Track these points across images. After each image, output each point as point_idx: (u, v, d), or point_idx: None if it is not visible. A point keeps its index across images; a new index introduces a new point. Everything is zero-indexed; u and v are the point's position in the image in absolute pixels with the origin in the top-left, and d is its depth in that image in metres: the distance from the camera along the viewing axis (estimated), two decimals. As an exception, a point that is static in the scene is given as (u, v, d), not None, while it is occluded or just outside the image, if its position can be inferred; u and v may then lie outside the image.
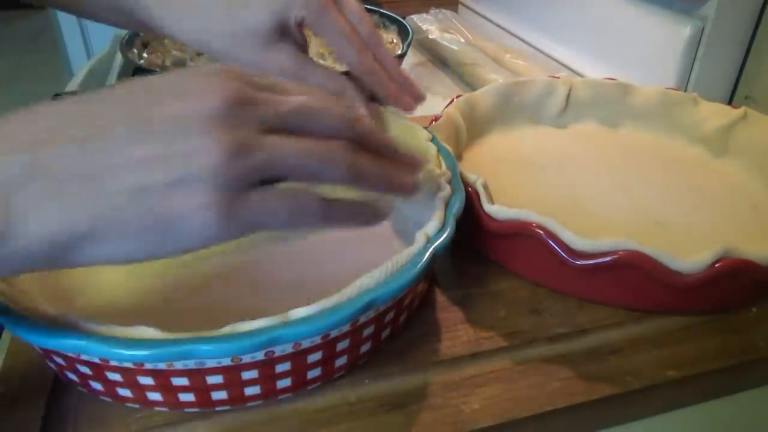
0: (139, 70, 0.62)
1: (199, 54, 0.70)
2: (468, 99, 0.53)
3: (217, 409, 0.31)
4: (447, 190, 0.37)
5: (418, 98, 0.41)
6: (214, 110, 0.25)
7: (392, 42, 0.75)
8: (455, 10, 1.04)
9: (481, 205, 0.40)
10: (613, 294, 0.39)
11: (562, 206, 0.45)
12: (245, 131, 0.25)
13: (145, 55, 0.69)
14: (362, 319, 0.31)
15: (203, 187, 0.24)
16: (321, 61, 0.68)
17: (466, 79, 0.79)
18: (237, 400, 0.31)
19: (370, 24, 0.39)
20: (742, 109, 0.52)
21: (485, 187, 0.41)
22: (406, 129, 0.44)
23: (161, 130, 0.24)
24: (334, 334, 0.30)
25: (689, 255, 0.36)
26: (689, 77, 0.64)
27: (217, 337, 0.27)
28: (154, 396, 0.30)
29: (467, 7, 1.04)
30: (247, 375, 0.30)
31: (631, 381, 0.34)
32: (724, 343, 0.37)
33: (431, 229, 0.34)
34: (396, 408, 0.32)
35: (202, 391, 0.30)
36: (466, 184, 0.41)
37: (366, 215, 0.30)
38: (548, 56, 0.83)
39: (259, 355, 0.29)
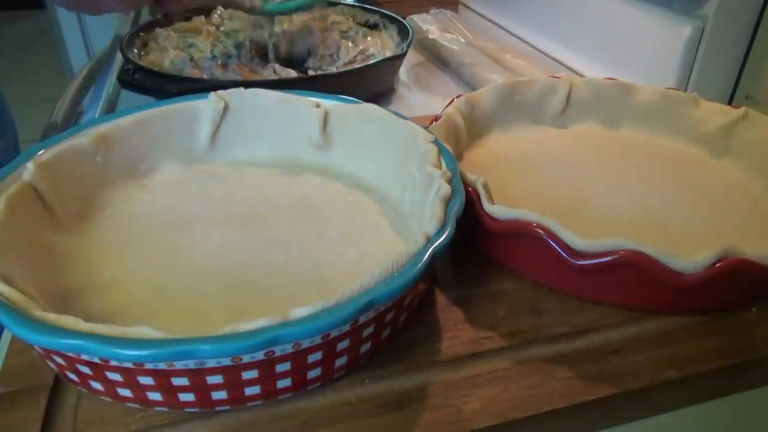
0: (139, 70, 0.62)
1: (197, 49, 0.70)
2: (468, 99, 0.53)
3: (217, 409, 0.31)
4: (447, 190, 0.37)
5: None
6: None
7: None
8: (455, 10, 1.04)
9: (481, 205, 0.40)
10: (613, 294, 0.39)
11: (562, 206, 0.45)
12: None
13: (144, 54, 0.69)
14: (362, 319, 0.31)
15: None
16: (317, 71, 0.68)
17: (466, 79, 0.79)
18: (237, 400, 0.31)
19: None
20: (743, 109, 0.51)
21: (485, 187, 0.41)
22: (407, 129, 0.44)
23: None
24: (334, 334, 0.30)
25: (689, 255, 0.36)
26: (689, 77, 0.64)
27: (217, 337, 0.27)
28: (154, 396, 0.30)
29: (467, 7, 1.04)
30: (247, 375, 0.30)
31: (631, 381, 0.34)
32: (724, 343, 0.37)
33: (431, 229, 0.34)
34: (396, 408, 0.32)
35: (202, 391, 0.30)
36: (466, 184, 0.41)
37: None
38: (548, 56, 0.83)
39: (259, 355, 0.29)
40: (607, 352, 0.36)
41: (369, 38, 0.75)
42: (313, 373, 0.32)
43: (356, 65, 0.68)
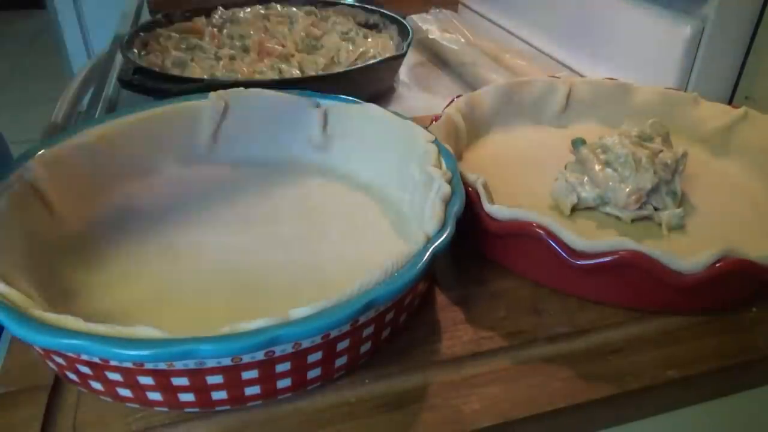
0: (139, 70, 0.62)
1: (200, 50, 0.70)
2: (468, 99, 0.53)
3: (217, 409, 0.31)
4: (447, 190, 0.37)
5: None
6: None
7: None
8: (455, 10, 1.04)
9: (481, 205, 0.40)
10: (613, 294, 0.39)
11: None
12: None
13: (144, 54, 0.69)
14: (362, 319, 0.31)
15: None
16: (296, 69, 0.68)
17: (466, 79, 0.79)
18: (237, 400, 0.31)
19: None
20: (743, 109, 0.51)
21: (485, 187, 0.41)
22: (407, 129, 0.44)
23: None
24: (334, 334, 0.30)
25: (689, 255, 0.36)
26: (689, 77, 0.64)
27: (217, 337, 0.27)
28: (154, 396, 0.30)
29: (467, 7, 1.04)
30: (247, 375, 0.30)
31: (631, 381, 0.34)
32: (724, 343, 0.37)
33: (431, 229, 0.34)
34: (396, 408, 0.32)
35: (202, 391, 0.30)
36: (466, 184, 0.41)
37: None
38: (548, 56, 0.83)
39: (259, 355, 0.29)
40: (607, 352, 0.36)
41: (369, 39, 0.75)
42: (313, 373, 0.32)
43: (356, 65, 0.68)
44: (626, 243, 0.36)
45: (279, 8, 0.81)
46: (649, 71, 0.66)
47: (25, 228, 0.36)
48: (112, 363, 0.28)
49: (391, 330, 0.35)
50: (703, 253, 0.35)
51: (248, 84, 0.50)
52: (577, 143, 0.47)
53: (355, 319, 0.29)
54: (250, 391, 0.31)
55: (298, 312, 0.28)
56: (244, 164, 0.49)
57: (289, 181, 0.47)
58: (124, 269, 0.38)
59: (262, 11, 0.79)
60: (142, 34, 0.72)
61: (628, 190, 0.43)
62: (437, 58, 0.87)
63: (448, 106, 0.52)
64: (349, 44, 0.72)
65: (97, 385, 0.31)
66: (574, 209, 0.45)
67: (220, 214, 0.43)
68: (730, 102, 0.65)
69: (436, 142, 0.42)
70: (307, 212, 0.43)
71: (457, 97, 0.53)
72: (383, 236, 0.41)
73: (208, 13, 0.79)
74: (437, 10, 0.96)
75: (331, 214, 0.43)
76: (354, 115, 0.47)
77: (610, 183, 0.44)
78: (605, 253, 0.36)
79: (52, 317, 0.28)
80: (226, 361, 0.28)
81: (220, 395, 0.30)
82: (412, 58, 0.86)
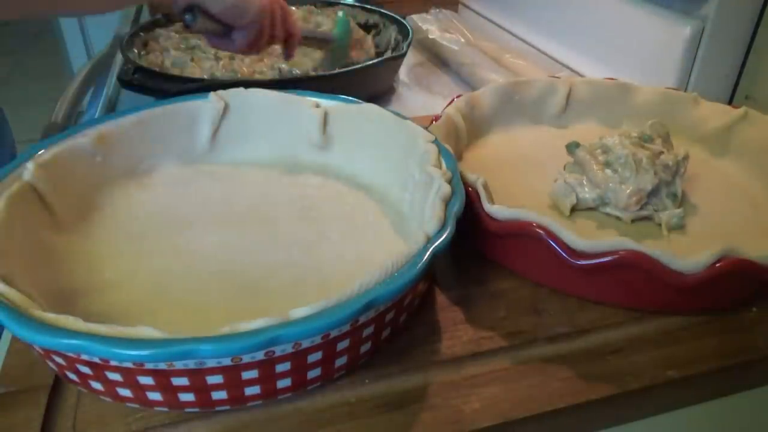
0: (139, 70, 0.62)
1: (200, 50, 0.70)
2: (468, 99, 0.53)
3: (217, 409, 0.31)
4: (447, 190, 0.37)
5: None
6: None
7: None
8: (455, 10, 1.04)
9: (481, 205, 0.40)
10: (613, 294, 0.39)
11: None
12: None
13: (144, 54, 0.69)
14: (362, 319, 0.31)
15: None
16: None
17: (465, 79, 0.79)
18: (237, 400, 0.31)
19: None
20: (743, 109, 0.51)
21: (485, 187, 0.41)
22: (407, 129, 0.44)
23: None
24: (334, 334, 0.30)
25: (689, 255, 0.36)
26: (689, 77, 0.64)
27: (217, 337, 0.27)
28: (154, 396, 0.30)
29: (467, 7, 1.04)
30: (247, 375, 0.30)
31: (631, 381, 0.34)
32: (724, 343, 0.37)
33: (431, 229, 0.34)
34: (396, 408, 0.32)
35: (202, 391, 0.30)
36: (466, 184, 0.41)
37: None
38: (548, 56, 0.83)
39: (259, 355, 0.29)
40: (607, 352, 0.36)
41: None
42: (313, 373, 0.32)
43: (356, 65, 0.68)
44: (626, 243, 0.36)
45: None
46: (649, 71, 0.66)
47: (24, 228, 0.36)
48: (112, 363, 0.28)
49: (391, 330, 0.35)
50: (703, 253, 0.35)
51: (248, 84, 0.50)
52: (572, 147, 0.47)
53: (355, 319, 0.29)
54: (250, 391, 0.31)
55: (298, 312, 0.28)
56: (244, 164, 0.49)
57: (289, 181, 0.47)
58: (123, 269, 0.38)
59: None
60: (142, 34, 0.72)
61: (629, 191, 0.43)
62: (437, 58, 0.87)
63: (448, 106, 0.52)
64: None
65: (97, 385, 0.31)
66: (574, 209, 0.45)
67: (219, 214, 0.43)
68: (730, 102, 0.65)
69: (436, 142, 0.42)
70: (307, 212, 0.43)
71: (457, 97, 0.53)
72: (383, 236, 0.41)
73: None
74: (437, 10, 0.96)
75: (331, 214, 0.43)
76: (354, 115, 0.47)
77: (611, 184, 0.44)
78: (605, 253, 0.36)
79: (52, 317, 0.28)
80: (226, 361, 0.28)
81: (220, 395, 0.30)
82: (412, 58, 0.86)
